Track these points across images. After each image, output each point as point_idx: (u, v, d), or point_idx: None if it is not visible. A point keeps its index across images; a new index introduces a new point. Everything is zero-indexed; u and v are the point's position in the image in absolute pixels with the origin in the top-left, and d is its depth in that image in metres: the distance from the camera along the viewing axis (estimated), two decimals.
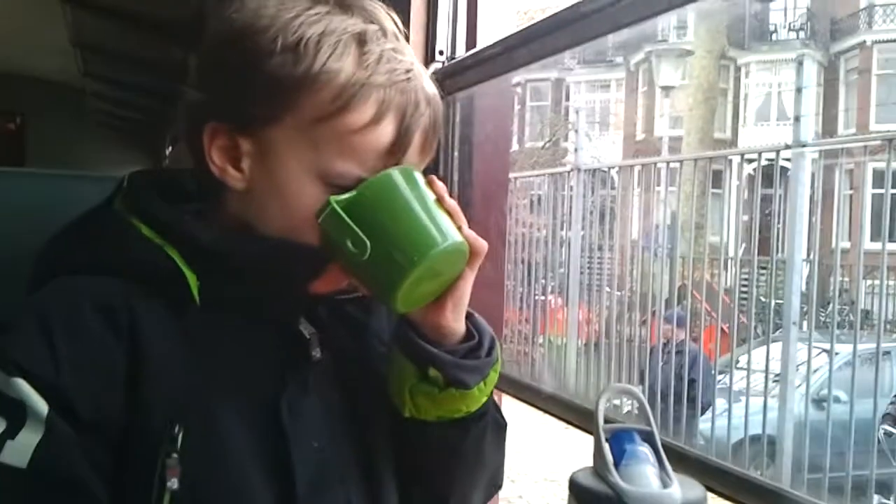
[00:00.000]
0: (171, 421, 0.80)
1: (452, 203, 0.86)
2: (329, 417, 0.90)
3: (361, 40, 0.84)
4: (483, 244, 0.86)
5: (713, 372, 5.10)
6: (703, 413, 4.91)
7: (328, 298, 0.90)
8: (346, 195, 0.83)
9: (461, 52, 1.65)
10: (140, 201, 0.88)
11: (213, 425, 0.83)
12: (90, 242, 0.88)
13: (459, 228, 0.85)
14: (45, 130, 9.03)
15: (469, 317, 0.90)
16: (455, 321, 0.88)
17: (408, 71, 0.85)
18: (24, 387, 0.78)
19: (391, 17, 0.89)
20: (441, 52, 1.63)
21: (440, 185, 0.86)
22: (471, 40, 1.65)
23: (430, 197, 0.85)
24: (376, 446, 0.94)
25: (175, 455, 0.79)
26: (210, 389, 0.83)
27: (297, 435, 0.86)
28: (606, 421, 0.78)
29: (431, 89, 0.88)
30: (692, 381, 4.77)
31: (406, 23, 0.90)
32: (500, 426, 0.99)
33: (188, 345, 0.84)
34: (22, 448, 0.77)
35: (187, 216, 0.87)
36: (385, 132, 0.83)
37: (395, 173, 0.84)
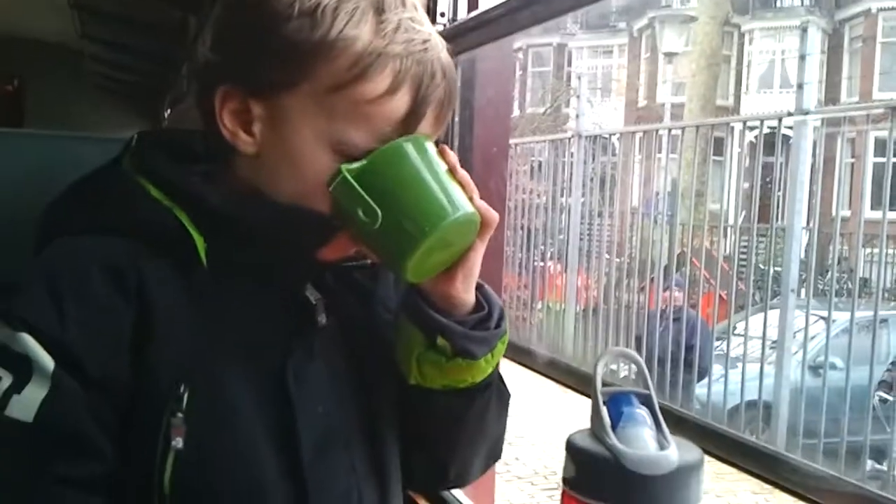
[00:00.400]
0: (176, 381, 0.80)
1: (464, 174, 0.85)
2: (335, 383, 0.91)
3: (379, 8, 0.83)
4: (494, 215, 0.85)
5: (711, 338, 5.13)
6: (700, 379, 4.94)
7: (336, 265, 0.90)
8: (358, 164, 0.82)
9: (463, 14, 1.64)
10: (148, 161, 0.87)
11: (219, 387, 0.83)
12: (97, 202, 0.87)
13: (471, 199, 0.84)
14: (44, 92, 8.99)
15: (479, 287, 0.90)
16: (465, 291, 0.88)
17: (425, 41, 0.84)
18: (29, 341, 0.78)
19: None
20: (443, 14, 1.62)
21: (452, 154, 0.85)
22: (473, 2, 1.64)
23: (442, 167, 0.84)
24: (381, 412, 0.94)
25: (180, 415, 0.80)
26: (216, 352, 0.84)
27: (303, 400, 0.86)
28: (604, 385, 0.78)
29: (448, 60, 0.87)
30: (690, 347, 4.79)
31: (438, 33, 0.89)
32: (504, 397, 0.98)
33: (195, 307, 0.84)
34: (28, 402, 0.77)
35: (196, 178, 0.86)
36: (400, 103, 0.83)
37: (407, 143, 0.84)
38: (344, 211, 0.83)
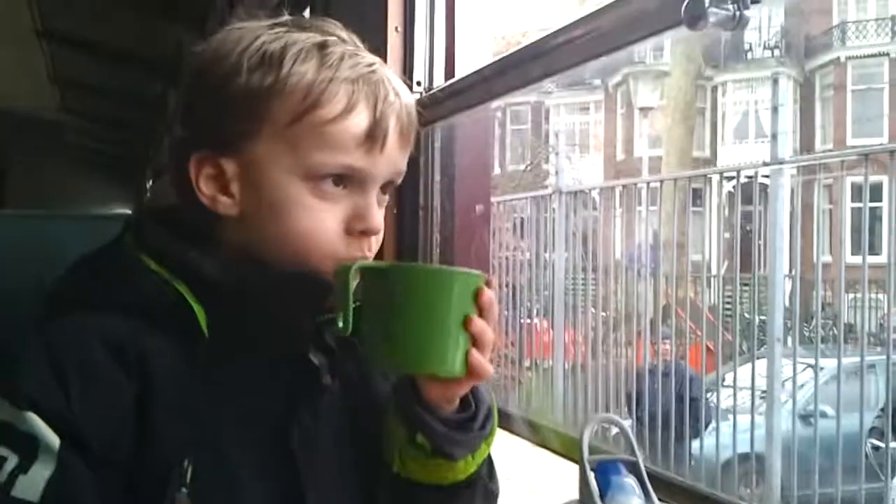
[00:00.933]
0: (180, 454, 0.81)
1: (481, 325, 0.81)
2: (340, 448, 0.91)
3: (322, 46, 0.87)
4: (486, 372, 0.82)
5: (702, 393, 5.10)
6: (695, 436, 4.90)
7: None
8: (374, 263, 0.83)
9: (439, 81, 1.66)
10: (148, 237, 0.89)
11: (224, 459, 0.84)
12: (99, 279, 0.88)
13: (468, 353, 0.81)
14: (24, 165, 9.00)
15: None
16: (444, 402, 0.87)
17: (370, 65, 0.88)
18: (35, 420, 0.78)
19: (346, 31, 0.92)
20: (419, 83, 1.64)
21: (488, 296, 0.82)
22: (449, 70, 1.67)
23: (458, 313, 0.80)
24: (377, 483, 0.93)
25: (184, 490, 0.80)
26: (220, 423, 0.84)
27: (308, 464, 0.86)
28: (592, 451, 0.78)
29: (399, 84, 0.91)
30: (680, 399, 4.76)
31: (383, 54, 0.92)
32: (491, 495, 0.96)
33: (198, 378, 0.84)
34: (34, 482, 0.77)
35: (193, 250, 0.87)
36: (359, 120, 0.85)
37: (430, 273, 0.83)
38: (334, 295, 0.83)
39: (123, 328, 0.83)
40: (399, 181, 0.94)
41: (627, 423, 0.86)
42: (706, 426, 4.97)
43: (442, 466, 0.87)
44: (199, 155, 0.87)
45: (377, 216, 0.89)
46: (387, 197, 0.93)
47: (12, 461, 0.77)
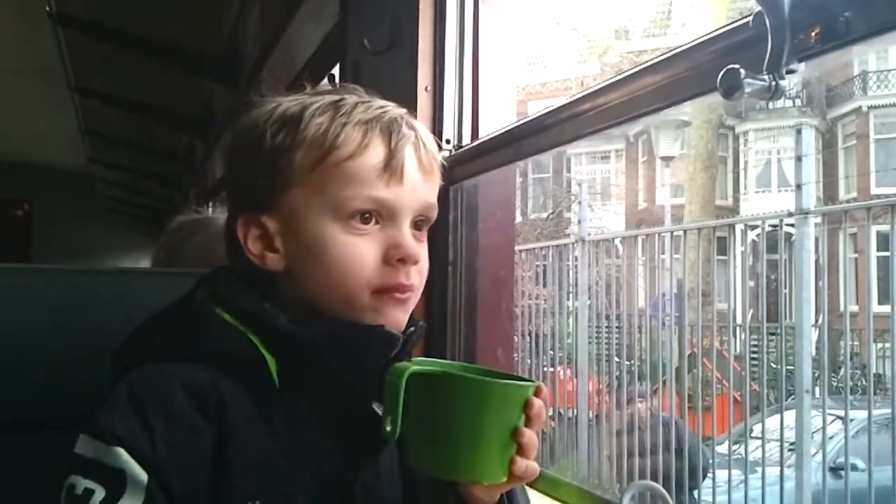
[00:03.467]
0: (251, 497, 0.84)
1: (529, 435, 0.83)
2: (395, 498, 0.94)
3: (337, 101, 0.94)
4: (531, 475, 0.84)
5: (700, 446, 5.00)
6: (693, 488, 4.81)
7: None
8: (427, 369, 0.84)
9: (467, 139, 1.69)
10: (224, 293, 0.93)
11: (289, 502, 0.86)
12: (178, 331, 0.92)
13: (513, 461, 0.82)
14: (53, 216, 9.12)
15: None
16: (486, 496, 0.88)
17: (382, 107, 0.94)
18: (123, 455, 0.82)
19: (364, 92, 0.98)
20: (448, 141, 1.66)
21: (537, 406, 0.84)
22: (475, 127, 1.69)
23: (507, 424, 0.81)
24: None
25: None
26: (287, 470, 0.87)
27: None
28: None
29: (414, 121, 0.96)
30: (679, 452, 4.68)
31: (413, 113, 0.95)
32: None
33: (268, 425, 0.88)
34: None
35: (265, 304, 0.91)
36: (376, 154, 0.90)
37: (485, 386, 0.83)
38: (384, 397, 0.84)
39: (202, 375, 0.87)
40: (433, 216, 0.97)
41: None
42: (734, 479, 4.88)
43: None
44: (243, 217, 0.94)
45: (412, 244, 0.92)
46: (424, 234, 0.97)
47: (99, 494, 0.81)
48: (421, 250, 0.94)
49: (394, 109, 0.95)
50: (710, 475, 4.77)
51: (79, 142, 7.11)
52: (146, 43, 4.25)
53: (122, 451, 0.82)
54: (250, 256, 0.93)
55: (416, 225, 0.95)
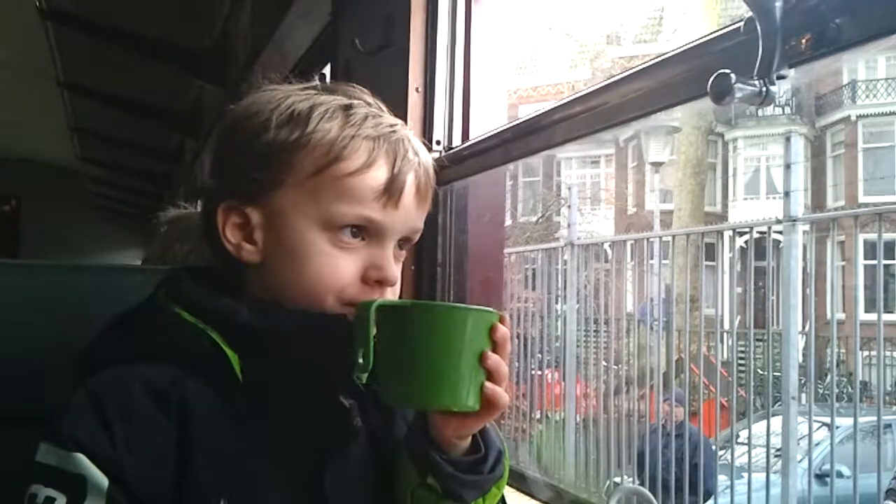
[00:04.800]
0: (216, 494, 0.83)
1: (495, 359, 0.84)
2: (366, 488, 0.92)
3: (347, 107, 0.92)
4: (502, 405, 0.84)
5: (715, 457, 5.02)
6: (705, 501, 4.83)
7: None
8: (393, 301, 0.85)
9: (458, 141, 1.68)
10: (182, 290, 0.92)
11: (257, 498, 0.85)
12: (138, 332, 0.91)
13: (483, 386, 0.83)
14: (41, 212, 9.08)
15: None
16: (457, 439, 0.88)
17: (392, 125, 0.93)
18: (83, 461, 0.81)
19: (372, 97, 0.96)
20: (438, 142, 1.66)
21: (503, 333, 0.84)
22: (465, 129, 1.69)
23: (475, 349, 0.83)
24: None
25: None
26: (254, 464, 0.86)
27: None
28: None
29: (419, 144, 0.95)
30: (695, 466, 4.69)
31: (403, 114, 0.95)
32: None
33: (233, 421, 0.86)
34: None
35: (224, 299, 0.90)
36: (378, 174, 0.89)
37: (449, 311, 0.85)
38: (353, 334, 0.84)
39: (164, 375, 0.86)
40: (416, 239, 0.97)
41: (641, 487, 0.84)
42: (719, 485, 4.90)
43: None
44: (226, 204, 0.92)
45: (393, 267, 0.92)
46: (404, 253, 0.96)
47: (61, 501, 0.80)
48: (396, 270, 0.93)
49: (401, 129, 0.93)
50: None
51: (68, 138, 7.08)
52: (136, 39, 4.23)
53: (82, 457, 0.81)
54: (226, 244, 0.91)
55: (400, 245, 0.94)
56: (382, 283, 0.91)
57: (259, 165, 0.90)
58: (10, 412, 1.12)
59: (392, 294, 0.93)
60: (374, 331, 0.83)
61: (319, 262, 0.88)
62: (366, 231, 0.90)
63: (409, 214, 0.92)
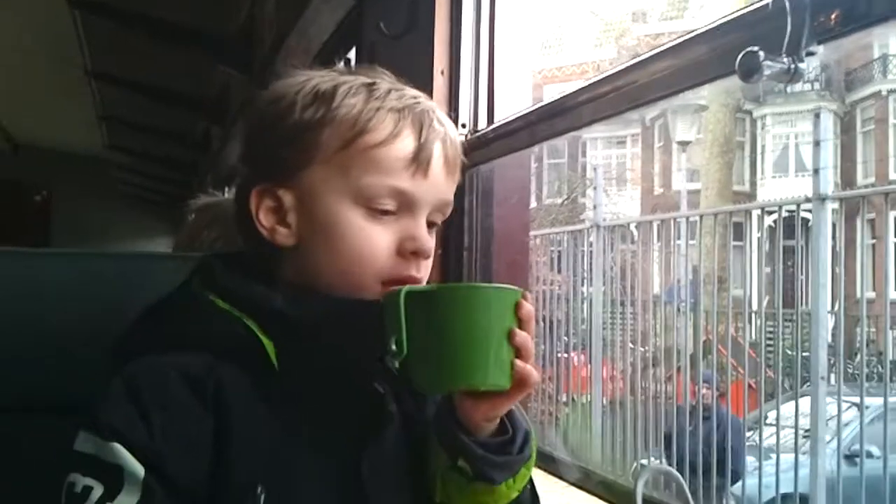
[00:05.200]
0: (253, 483, 0.83)
1: (523, 336, 0.84)
2: (404, 474, 0.92)
3: (370, 83, 0.93)
4: (533, 381, 0.85)
5: (743, 439, 4.99)
6: (733, 483, 4.80)
7: None
8: (420, 287, 0.86)
9: (483, 124, 1.68)
10: (216, 278, 0.92)
11: (295, 487, 0.86)
12: (172, 320, 0.92)
13: (513, 364, 0.83)
14: (71, 202, 9.17)
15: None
16: (487, 421, 0.88)
17: (415, 97, 0.93)
18: (120, 450, 0.82)
19: (396, 78, 0.97)
20: (464, 125, 1.66)
21: (528, 309, 0.85)
22: (490, 112, 1.69)
23: (502, 327, 0.83)
24: None
25: None
26: (291, 452, 0.87)
27: (377, 493, 0.88)
28: (644, 500, 0.77)
29: (443, 116, 0.95)
30: (723, 447, 4.67)
31: (429, 97, 0.95)
32: None
33: (269, 409, 0.87)
34: None
35: (258, 286, 0.90)
36: (405, 144, 0.89)
37: (475, 290, 0.87)
38: (383, 322, 0.85)
39: (198, 363, 0.87)
40: (447, 213, 0.97)
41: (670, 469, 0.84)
42: (742, 468, 4.88)
43: (483, 492, 0.88)
44: (258, 188, 0.92)
45: (428, 238, 0.93)
46: (434, 231, 0.96)
47: (98, 490, 0.81)
48: (431, 240, 0.94)
49: (426, 101, 0.94)
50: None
51: (96, 127, 7.14)
52: (162, 26, 4.25)
53: (118, 447, 0.82)
54: (260, 228, 0.92)
55: (430, 222, 0.94)
56: (418, 253, 0.91)
57: (286, 147, 0.90)
58: (44, 401, 1.14)
59: (426, 268, 0.93)
60: (404, 317, 0.83)
61: (354, 237, 0.89)
62: (397, 203, 0.90)
63: (439, 185, 0.92)
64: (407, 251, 0.91)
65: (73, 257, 1.28)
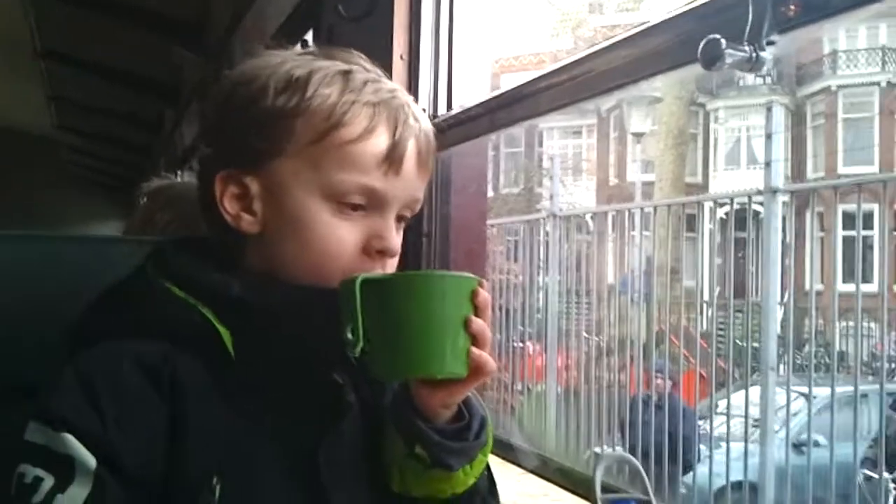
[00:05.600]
0: (209, 473, 0.82)
1: (479, 324, 0.84)
2: (361, 466, 0.91)
3: (346, 72, 0.90)
4: (489, 369, 0.84)
5: (695, 428, 5.07)
6: (685, 472, 4.88)
7: None
8: (375, 275, 0.84)
9: (443, 110, 1.67)
10: (171, 264, 0.90)
11: (252, 476, 0.85)
12: (127, 307, 0.90)
13: (469, 352, 0.83)
14: (17, 182, 8.96)
15: None
16: (443, 407, 0.88)
17: (391, 90, 0.91)
18: (71, 441, 0.80)
19: (371, 63, 0.95)
20: (423, 111, 1.64)
21: (485, 297, 0.84)
22: (449, 100, 1.68)
23: (458, 315, 0.83)
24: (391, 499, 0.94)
25: None
26: (247, 441, 0.85)
27: (334, 483, 0.87)
28: (602, 487, 0.77)
29: (419, 110, 0.94)
30: (675, 438, 4.74)
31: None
32: None
33: (226, 398, 0.86)
34: (72, 501, 0.79)
35: (215, 273, 0.89)
36: (379, 141, 0.87)
37: (430, 278, 0.86)
38: (340, 310, 0.84)
39: (153, 351, 0.85)
40: (416, 209, 0.96)
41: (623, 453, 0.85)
42: (698, 457, 4.96)
43: (440, 479, 0.88)
44: (224, 173, 0.90)
45: (395, 237, 0.91)
46: (402, 226, 0.94)
47: (48, 482, 0.79)
48: (398, 239, 0.92)
49: (401, 94, 0.92)
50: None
51: (45, 107, 6.99)
52: (114, 5, 4.16)
53: (69, 437, 0.80)
54: (224, 214, 0.90)
55: (398, 216, 0.93)
56: (384, 253, 0.90)
57: (257, 133, 0.88)
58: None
59: (392, 266, 0.92)
60: (360, 305, 0.82)
61: (321, 232, 0.87)
62: (367, 200, 0.89)
63: (411, 182, 0.91)
64: (373, 249, 0.89)
65: (23, 239, 1.24)
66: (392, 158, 0.88)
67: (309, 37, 2.30)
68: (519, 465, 1.46)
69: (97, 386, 0.82)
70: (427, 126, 0.93)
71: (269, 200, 0.89)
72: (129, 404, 0.82)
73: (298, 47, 0.97)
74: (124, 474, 0.80)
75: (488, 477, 0.95)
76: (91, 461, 0.79)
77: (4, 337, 1.12)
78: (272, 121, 0.87)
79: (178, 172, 4.29)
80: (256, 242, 0.90)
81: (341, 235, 0.88)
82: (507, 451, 1.49)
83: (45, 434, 0.81)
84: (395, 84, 0.94)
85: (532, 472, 1.42)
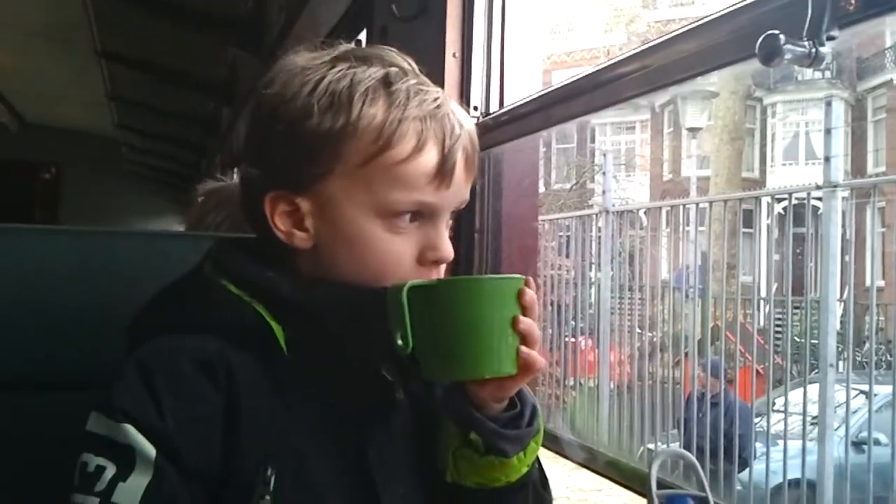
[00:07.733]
0: (263, 465, 0.84)
1: (527, 323, 0.85)
2: (411, 462, 0.93)
3: (387, 82, 0.89)
4: (538, 366, 0.85)
5: (751, 425, 4.99)
6: (741, 469, 4.81)
7: None
8: (423, 281, 0.86)
9: (495, 106, 1.67)
10: (227, 263, 0.93)
11: (304, 469, 0.87)
12: (185, 304, 0.92)
13: (518, 350, 0.84)
14: (80, 179, 9.20)
15: None
16: (495, 401, 0.89)
17: (436, 100, 0.91)
18: (132, 432, 0.83)
19: (404, 58, 0.94)
20: (476, 108, 1.65)
21: (530, 296, 0.85)
22: (502, 96, 1.68)
23: (506, 315, 0.84)
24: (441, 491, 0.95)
25: (268, 497, 0.83)
26: (300, 435, 0.87)
27: (384, 479, 0.89)
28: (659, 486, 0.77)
29: (461, 112, 0.93)
30: (730, 435, 4.67)
31: (440, 79, 0.94)
32: (543, 500, 0.98)
33: (279, 393, 0.88)
34: (133, 489, 0.81)
35: (269, 272, 0.91)
36: (429, 157, 0.88)
37: (478, 282, 0.87)
38: (388, 316, 0.85)
39: (209, 346, 0.87)
40: (462, 206, 0.96)
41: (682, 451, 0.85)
42: (754, 455, 4.89)
43: (495, 466, 0.89)
44: (273, 194, 0.90)
45: (448, 245, 0.92)
46: (451, 223, 0.95)
47: (110, 471, 0.82)
48: (450, 245, 0.93)
49: (445, 102, 0.91)
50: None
51: (105, 106, 7.15)
52: (172, 7, 4.24)
53: (130, 428, 0.83)
54: (276, 232, 0.91)
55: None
56: (439, 261, 0.91)
57: (305, 156, 0.88)
58: (57, 378, 1.15)
59: (445, 270, 0.93)
60: (408, 312, 0.84)
61: (377, 249, 0.89)
62: (420, 213, 0.89)
63: (460, 189, 0.92)
64: (428, 260, 0.91)
65: (84, 235, 1.27)
66: (443, 173, 0.88)
67: (362, 37, 2.32)
68: (569, 459, 1.46)
69: (156, 380, 0.85)
70: (471, 127, 0.93)
71: (321, 218, 0.90)
72: (186, 397, 0.85)
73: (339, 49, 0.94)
74: (182, 464, 0.83)
75: (539, 468, 0.97)
76: (151, 451, 0.82)
77: (66, 331, 1.15)
78: (319, 145, 0.87)
79: (234, 171, 4.35)
80: (309, 253, 0.92)
81: (397, 250, 0.89)
82: (556, 445, 1.49)
83: (106, 424, 0.84)
84: (437, 89, 0.93)
85: (582, 464, 1.42)
